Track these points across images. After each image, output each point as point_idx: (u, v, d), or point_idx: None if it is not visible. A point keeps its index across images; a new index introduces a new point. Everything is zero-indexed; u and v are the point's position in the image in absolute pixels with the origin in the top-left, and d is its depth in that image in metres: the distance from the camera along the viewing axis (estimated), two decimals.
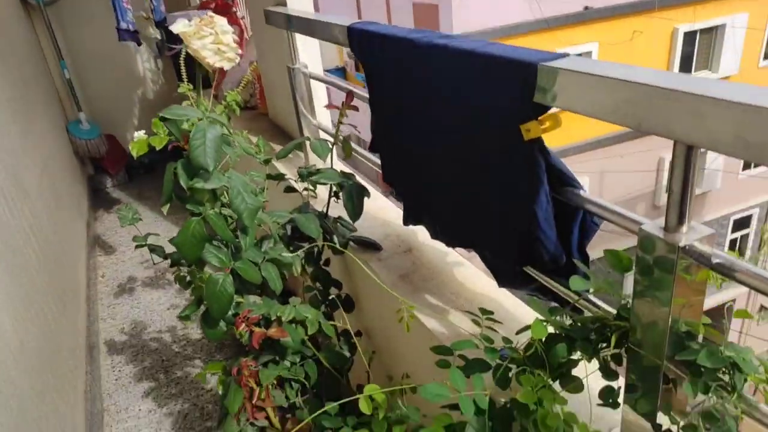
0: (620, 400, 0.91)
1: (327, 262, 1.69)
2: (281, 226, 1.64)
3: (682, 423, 0.83)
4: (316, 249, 1.67)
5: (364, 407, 0.97)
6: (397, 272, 1.47)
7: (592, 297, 1.01)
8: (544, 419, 0.86)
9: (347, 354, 1.54)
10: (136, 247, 1.69)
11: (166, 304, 2.82)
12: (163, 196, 1.29)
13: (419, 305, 1.33)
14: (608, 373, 0.91)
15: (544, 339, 0.91)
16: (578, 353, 0.92)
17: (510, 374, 0.93)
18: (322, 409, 1.20)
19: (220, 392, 1.41)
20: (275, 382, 1.40)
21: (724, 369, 0.79)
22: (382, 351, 1.56)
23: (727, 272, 0.73)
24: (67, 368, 2.15)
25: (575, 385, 0.92)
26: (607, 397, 0.91)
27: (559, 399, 0.89)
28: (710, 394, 0.78)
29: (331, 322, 1.47)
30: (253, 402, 1.34)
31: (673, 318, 0.78)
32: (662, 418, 0.86)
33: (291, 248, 1.60)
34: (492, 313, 1.09)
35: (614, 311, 0.93)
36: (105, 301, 2.91)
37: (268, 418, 1.42)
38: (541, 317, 0.93)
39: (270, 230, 1.51)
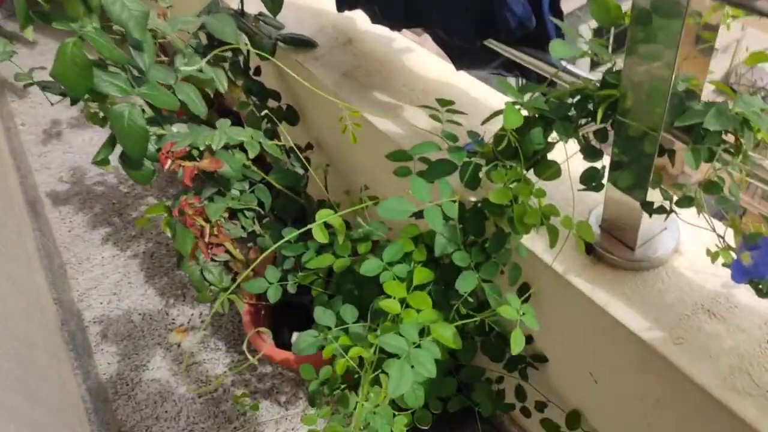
0: (603, 181, 0.81)
1: (258, 71, 1.46)
2: (192, 35, 1.37)
3: (676, 197, 0.74)
4: (241, 57, 1.43)
5: (319, 236, 0.86)
6: (338, 70, 1.27)
7: (569, 65, 0.85)
8: (521, 218, 0.76)
9: (300, 171, 1.41)
10: (25, 86, 1.43)
11: (101, 144, 2.59)
12: (19, 16, 1.01)
13: (368, 106, 1.16)
14: (591, 153, 0.79)
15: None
16: (554, 135, 0.79)
17: (480, 173, 0.81)
18: (284, 240, 1.10)
19: (169, 235, 1.31)
20: (226, 214, 1.29)
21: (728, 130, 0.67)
22: (338, 162, 1.43)
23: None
24: (9, 230, 2.02)
25: (553, 172, 0.81)
26: (590, 179, 0.80)
27: (537, 192, 0.78)
28: (715, 161, 0.67)
29: (276, 142, 1.31)
30: (206, 240, 1.24)
31: (677, 76, 0.63)
32: (651, 195, 0.77)
33: (210, 61, 1.36)
34: (452, 103, 0.93)
35: (596, 79, 0.78)
36: (34, 151, 2.67)
37: (228, 251, 1.34)
38: (512, 99, 0.77)
39: (174, 42, 1.25)
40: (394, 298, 0.84)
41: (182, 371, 1.72)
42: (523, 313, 0.73)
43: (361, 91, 1.19)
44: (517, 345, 0.72)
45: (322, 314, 0.93)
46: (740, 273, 0.66)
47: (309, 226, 0.90)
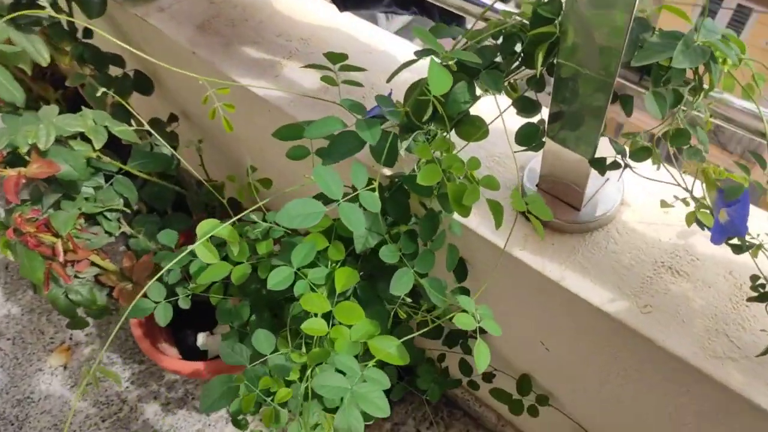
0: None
1: (89, 34, 1.15)
2: None
3: (629, 150, 0.62)
4: (63, 15, 1.11)
5: (207, 256, 0.66)
6: (192, 22, 1.01)
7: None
8: (458, 198, 0.61)
9: (168, 151, 1.16)
10: None
11: None
12: None
13: (236, 67, 0.93)
14: (527, 106, 0.64)
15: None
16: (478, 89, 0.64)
17: (401, 149, 0.64)
18: (181, 256, 0.88)
19: (12, 259, 1.03)
20: (82, 221, 1.04)
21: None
22: (214, 135, 1.20)
23: None
24: None
25: (482, 133, 0.66)
26: (528, 138, 0.66)
27: (472, 163, 0.63)
28: (681, 105, 0.55)
29: (128, 126, 1.04)
30: (62, 260, 0.99)
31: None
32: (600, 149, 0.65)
33: (21, 25, 1.04)
34: (345, 57, 0.73)
35: (516, 12, 0.62)
36: None
37: (95, 264, 1.10)
38: (426, 46, 0.60)
39: None
40: (317, 315, 0.67)
41: (77, 395, 1.48)
42: (481, 319, 0.60)
43: (226, 48, 0.96)
44: (482, 361, 0.59)
45: (229, 353, 0.75)
46: (719, 233, 0.56)
47: (191, 247, 0.69)
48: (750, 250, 0.58)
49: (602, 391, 0.81)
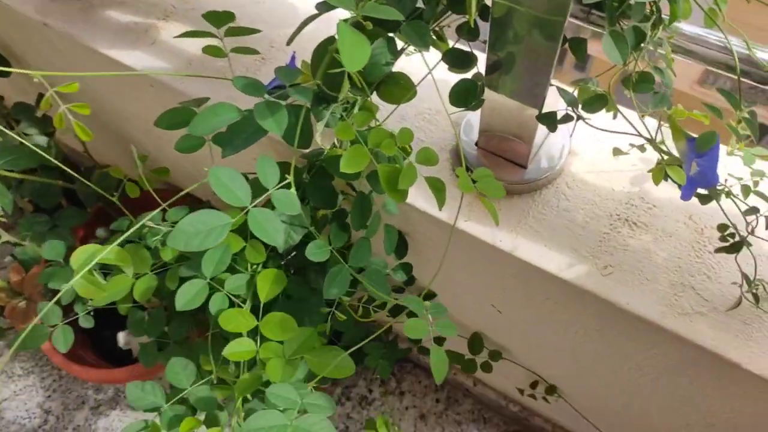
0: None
1: None
2: None
3: (581, 99, 0.51)
4: None
5: (87, 291, 0.51)
6: None
7: None
8: (392, 181, 0.49)
9: (42, 139, 0.95)
10: None
11: None
12: None
13: (100, 35, 0.73)
14: (459, 60, 0.52)
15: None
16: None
17: (317, 132, 0.50)
18: (66, 287, 0.71)
19: None
20: None
21: None
22: (97, 115, 0.98)
23: None
24: None
25: (411, 94, 0.53)
26: (464, 97, 0.54)
27: (405, 136, 0.50)
28: (645, 44, 0.45)
29: None
30: None
31: None
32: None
33: None
34: (232, 16, 0.57)
35: None
36: None
37: None
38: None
39: None
40: (242, 334, 0.55)
41: None
42: (434, 320, 0.50)
43: (85, 14, 0.75)
44: (440, 372, 0.50)
45: (138, 395, 0.61)
46: (690, 187, 0.48)
47: (67, 284, 0.53)
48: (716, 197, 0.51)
49: (558, 352, 0.75)
